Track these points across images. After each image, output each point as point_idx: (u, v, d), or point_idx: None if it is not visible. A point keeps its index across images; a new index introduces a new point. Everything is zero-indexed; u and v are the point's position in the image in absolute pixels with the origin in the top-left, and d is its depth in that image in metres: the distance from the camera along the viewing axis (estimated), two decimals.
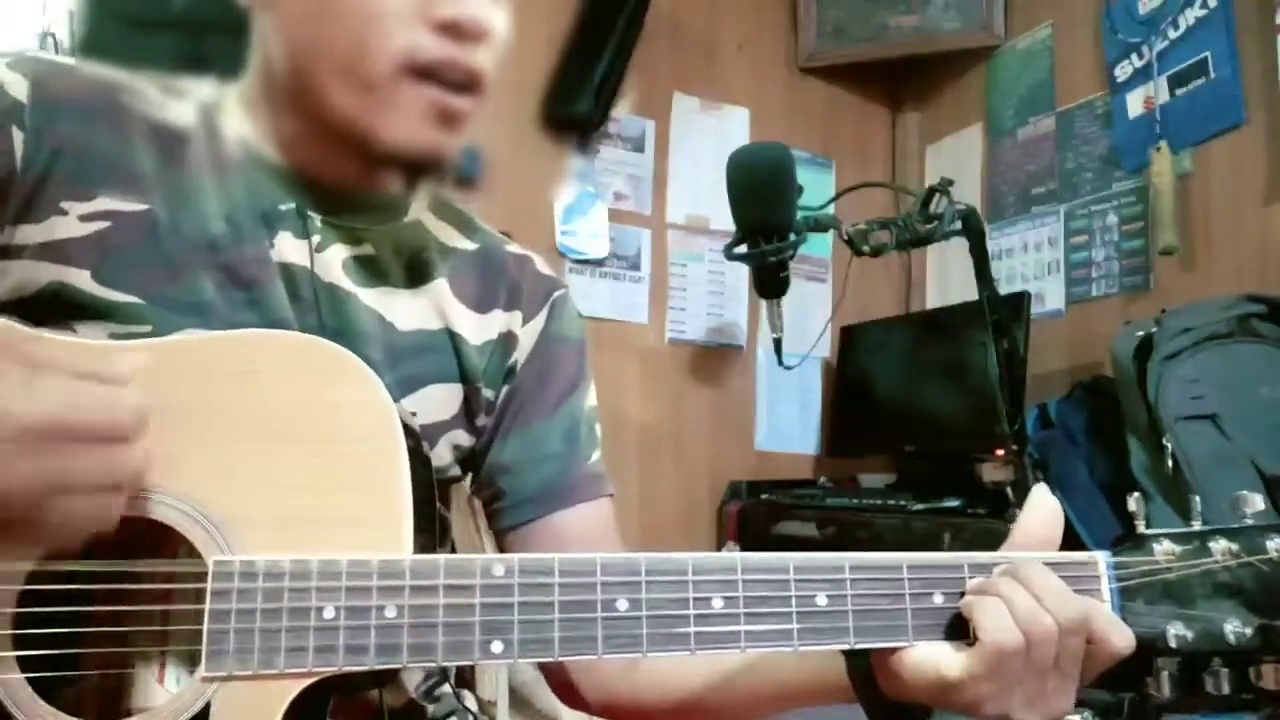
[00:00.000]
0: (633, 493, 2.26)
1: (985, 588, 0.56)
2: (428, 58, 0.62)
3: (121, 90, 0.66)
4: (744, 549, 2.24)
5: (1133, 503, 0.61)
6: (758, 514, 2.25)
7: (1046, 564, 0.56)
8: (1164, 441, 1.52)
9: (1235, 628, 0.57)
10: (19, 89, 0.61)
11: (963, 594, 0.57)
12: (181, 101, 0.69)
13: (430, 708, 0.75)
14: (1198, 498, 0.61)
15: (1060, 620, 0.53)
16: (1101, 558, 0.59)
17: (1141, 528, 0.60)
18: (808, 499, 2.19)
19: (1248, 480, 1.45)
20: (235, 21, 0.69)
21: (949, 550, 1.68)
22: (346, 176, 0.70)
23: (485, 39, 0.64)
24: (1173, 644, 0.57)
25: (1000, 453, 1.79)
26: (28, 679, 0.53)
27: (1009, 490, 1.62)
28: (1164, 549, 0.58)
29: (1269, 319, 1.57)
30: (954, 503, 1.84)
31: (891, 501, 1.96)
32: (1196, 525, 0.60)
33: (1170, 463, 1.50)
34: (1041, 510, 0.60)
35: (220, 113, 0.69)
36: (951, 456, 2.12)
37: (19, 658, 0.52)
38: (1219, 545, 0.58)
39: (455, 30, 0.62)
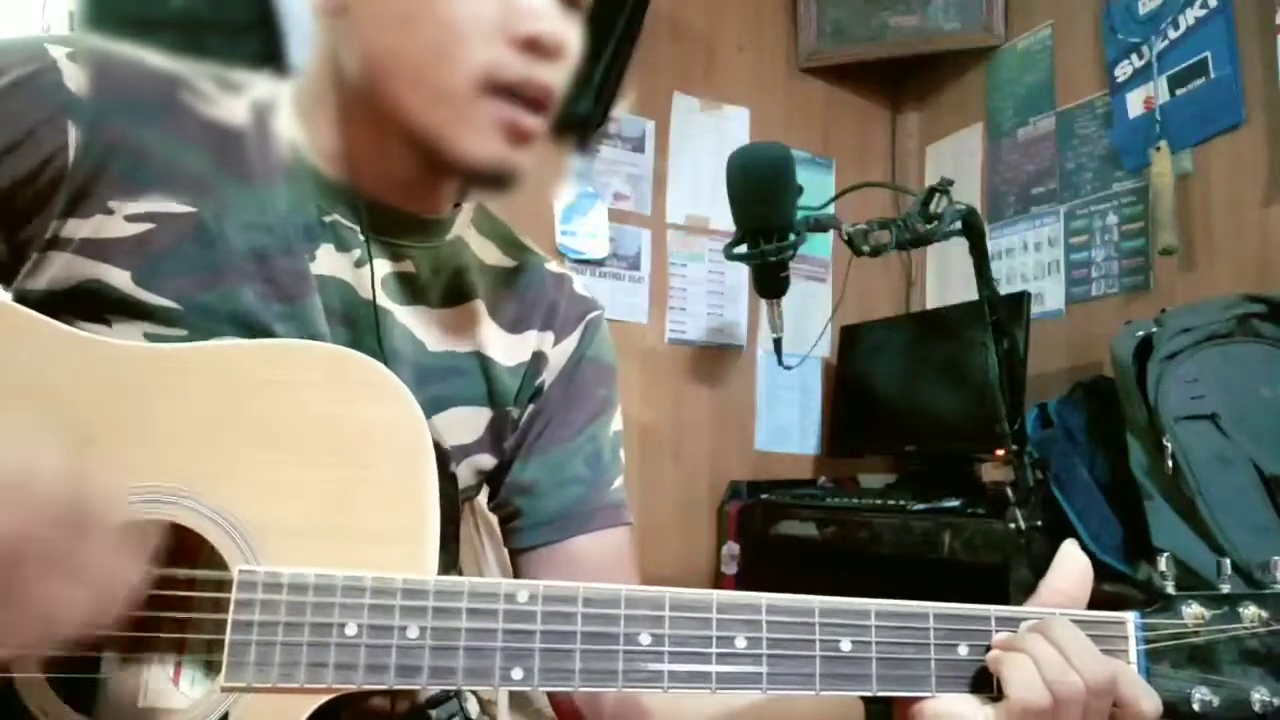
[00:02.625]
0: (633, 493, 2.22)
1: (1012, 643, 0.55)
2: (509, 75, 0.62)
3: (179, 85, 0.65)
4: (744, 549, 2.25)
5: (1163, 562, 0.60)
6: (758, 514, 2.24)
7: (1074, 622, 0.56)
8: (1164, 441, 1.51)
9: (1262, 696, 0.56)
10: (78, 82, 0.60)
11: (988, 647, 0.57)
12: (236, 98, 0.67)
13: (433, 712, 0.74)
14: (1227, 561, 0.60)
15: (1088, 681, 0.53)
16: (1130, 618, 0.58)
17: (1170, 589, 0.59)
18: (808, 499, 2.19)
19: (1248, 480, 1.45)
20: (235, 21, 0.68)
21: (949, 550, 1.68)
22: (398, 192, 0.69)
23: (561, 57, 0.64)
24: (1198, 709, 0.56)
25: (1000, 453, 1.79)
26: (47, 678, 0.53)
27: (1009, 490, 1.62)
28: (1193, 612, 0.58)
29: (1269, 319, 1.57)
30: (954, 503, 1.83)
31: (891, 501, 1.95)
32: (1226, 589, 0.59)
33: (1170, 463, 1.49)
34: (1070, 566, 0.60)
35: (273, 114, 0.68)
36: (951, 456, 2.12)
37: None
38: (1249, 611, 0.57)
39: (536, 47, 0.62)
